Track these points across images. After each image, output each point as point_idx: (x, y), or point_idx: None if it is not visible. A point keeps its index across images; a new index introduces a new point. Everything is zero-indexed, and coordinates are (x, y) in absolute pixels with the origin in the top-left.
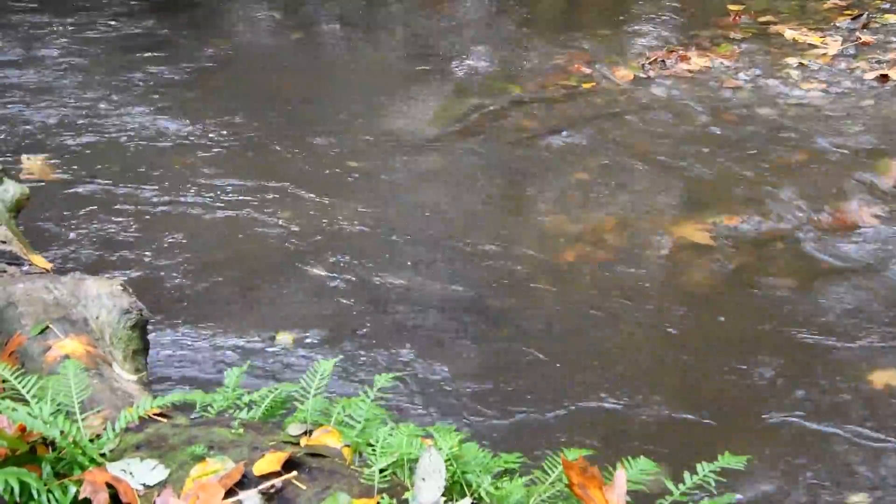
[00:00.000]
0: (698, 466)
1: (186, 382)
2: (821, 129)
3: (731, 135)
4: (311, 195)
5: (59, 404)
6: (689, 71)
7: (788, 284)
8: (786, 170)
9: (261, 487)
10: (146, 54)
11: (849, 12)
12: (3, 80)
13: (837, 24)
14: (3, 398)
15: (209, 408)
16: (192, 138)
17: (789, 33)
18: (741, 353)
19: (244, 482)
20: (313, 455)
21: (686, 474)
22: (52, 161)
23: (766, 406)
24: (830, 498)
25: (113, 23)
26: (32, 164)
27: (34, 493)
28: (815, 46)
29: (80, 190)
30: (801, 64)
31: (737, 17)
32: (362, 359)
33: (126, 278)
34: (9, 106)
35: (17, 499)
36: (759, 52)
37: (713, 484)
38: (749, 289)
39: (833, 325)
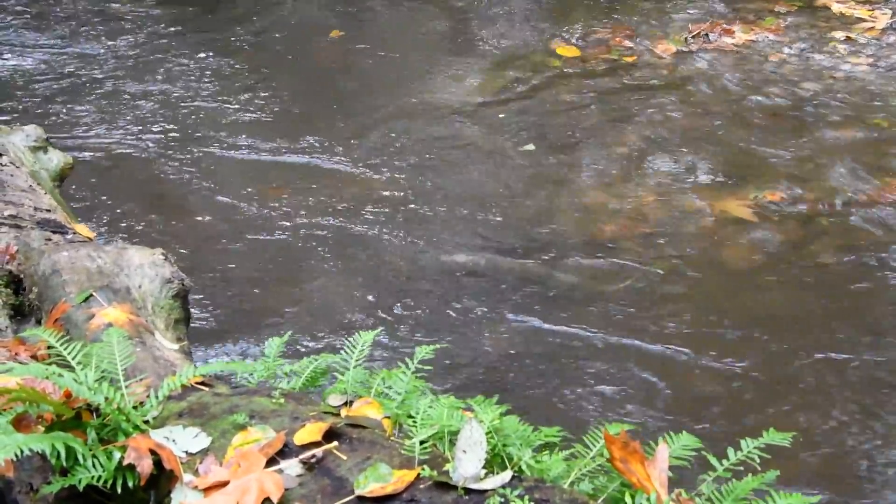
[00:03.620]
0: (742, 443)
1: None
2: (868, 103)
3: (776, 109)
4: (352, 164)
5: (103, 371)
6: (734, 44)
7: (834, 260)
8: (831, 145)
9: (301, 457)
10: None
11: None
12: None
13: None
14: (48, 364)
15: (250, 377)
16: (240, 108)
17: (836, 6)
18: (785, 329)
19: (285, 451)
20: (354, 426)
21: (730, 450)
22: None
23: (808, 381)
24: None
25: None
26: None
27: (80, 457)
28: (862, 20)
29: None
30: (848, 38)
31: None
32: (406, 326)
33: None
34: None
35: (64, 463)
36: (805, 26)
37: (757, 461)
38: (793, 264)
39: (881, 301)
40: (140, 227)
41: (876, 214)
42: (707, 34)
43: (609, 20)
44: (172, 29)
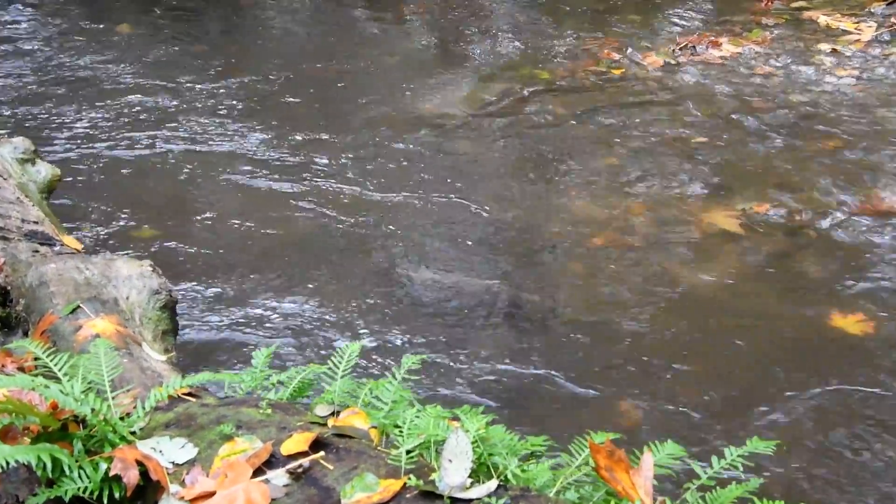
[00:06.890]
0: (726, 451)
1: None
2: (853, 116)
3: (762, 122)
4: (340, 177)
5: (90, 382)
6: (721, 57)
7: (819, 272)
8: (817, 157)
9: (288, 467)
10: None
11: None
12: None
13: (872, 10)
14: (35, 376)
15: (237, 388)
16: (224, 129)
17: (822, 19)
18: (770, 341)
19: (272, 462)
20: (340, 436)
21: (714, 458)
22: None
23: (795, 393)
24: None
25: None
26: None
27: (66, 469)
28: (848, 32)
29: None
30: (834, 50)
31: (769, 3)
32: (388, 342)
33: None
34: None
35: (50, 474)
36: (791, 38)
37: (741, 468)
38: (779, 276)
39: (865, 315)
40: (128, 239)
41: (860, 225)
42: (694, 47)
43: (597, 33)
44: (165, 36)
